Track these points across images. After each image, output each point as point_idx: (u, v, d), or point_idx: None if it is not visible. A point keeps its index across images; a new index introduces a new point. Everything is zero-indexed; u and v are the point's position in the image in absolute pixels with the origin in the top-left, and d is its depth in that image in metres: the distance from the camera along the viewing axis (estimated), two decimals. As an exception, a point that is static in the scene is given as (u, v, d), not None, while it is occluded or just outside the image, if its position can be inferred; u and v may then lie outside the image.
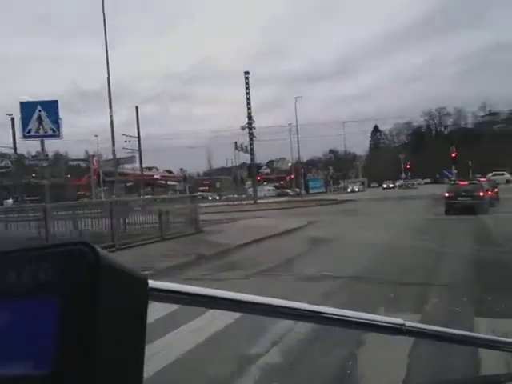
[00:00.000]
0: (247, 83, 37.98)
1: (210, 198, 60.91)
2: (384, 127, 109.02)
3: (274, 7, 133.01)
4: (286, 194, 60.40)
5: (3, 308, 0.40)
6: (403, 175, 65.59)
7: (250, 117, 37.89)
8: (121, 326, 0.40)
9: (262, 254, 10.73)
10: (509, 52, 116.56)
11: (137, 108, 32.80)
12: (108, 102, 21.09)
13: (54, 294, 0.38)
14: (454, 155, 30.32)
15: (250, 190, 59.94)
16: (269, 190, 70.23)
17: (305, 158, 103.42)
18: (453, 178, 28.72)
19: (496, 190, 25.26)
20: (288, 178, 69.25)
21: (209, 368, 3.78)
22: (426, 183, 73.70)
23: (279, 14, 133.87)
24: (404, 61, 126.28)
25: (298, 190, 58.63)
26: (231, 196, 54.95)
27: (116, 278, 0.40)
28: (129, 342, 0.41)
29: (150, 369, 3.32)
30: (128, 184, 55.37)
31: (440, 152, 71.75)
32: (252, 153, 38.50)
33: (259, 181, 58.92)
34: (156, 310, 4.28)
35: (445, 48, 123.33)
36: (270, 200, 40.86)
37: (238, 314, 4.01)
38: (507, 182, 53.69)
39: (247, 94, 38.06)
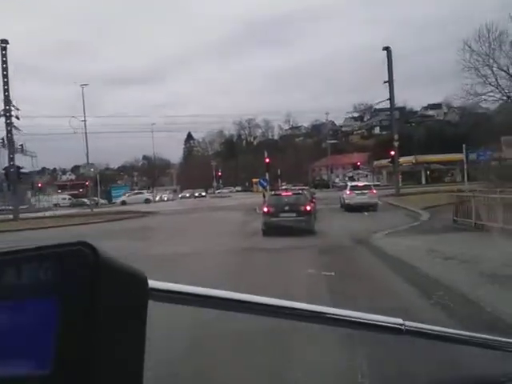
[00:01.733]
0: (4, 55, 26.41)
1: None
2: (198, 135, 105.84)
3: (81, 3, 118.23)
4: (83, 204, 49.95)
5: (3, 308, 0.39)
6: (215, 183, 60.97)
7: (7, 100, 26.23)
8: (121, 326, 0.39)
9: None
10: (306, 71, 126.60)
11: None
12: None
13: (54, 294, 0.37)
14: (267, 160, 25.72)
15: (34, 200, 47.90)
16: (64, 198, 58.48)
17: (116, 164, 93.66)
18: (268, 187, 23.99)
19: (314, 200, 21.12)
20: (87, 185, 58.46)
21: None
22: (237, 191, 71.53)
23: (83, 10, 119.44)
24: (217, 72, 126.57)
25: (96, 198, 48.73)
26: (4, 208, 42.02)
27: (116, 277, 0.39)
28: (129, 341, 0.40)
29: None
30: None
31: (250, 161, 70.82)
32: (11, 149, 26.65)
33: (41, 188, 47.07)
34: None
35: (255, 64, 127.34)
36: (47, 214, 30.40)
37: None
38: (146, 201, 49.97)
39: (4, 69, 26.41)
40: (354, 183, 25.34)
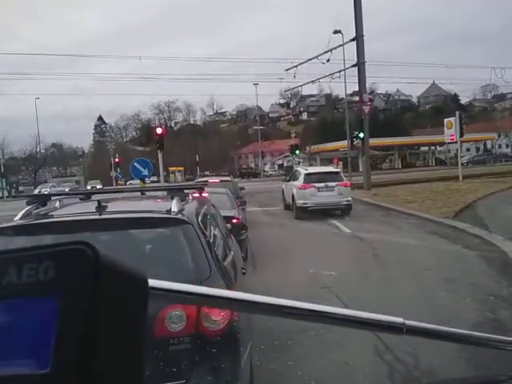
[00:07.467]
0: None
1: None
2: (112, 119, 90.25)
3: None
4: None
5: (3, 308, 0.38)
6: (113, 173, 47.01)
7: None
8: (121, 326, 0.38)
9: None
10: (232, 58, 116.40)
11: None
12: None
13: (54, 294, 0.36)
14: (160, 131, 13.63)
15: None
16: None
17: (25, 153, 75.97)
18: (147, 177, 11.87)
19: (244, 208, 9.66)
20: None
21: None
22: (152, 182, 58.32)
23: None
24: (140, 55, 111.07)
25: None
26: None
27: (116, 277, 0.38)
28: (129, 341, 0.39)
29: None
30: None
31: (170, 148, 58.49)
32: None
33: None
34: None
35: (180, 50, 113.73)
36: None
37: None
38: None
39: None
40: (310, 169, 13.99)
